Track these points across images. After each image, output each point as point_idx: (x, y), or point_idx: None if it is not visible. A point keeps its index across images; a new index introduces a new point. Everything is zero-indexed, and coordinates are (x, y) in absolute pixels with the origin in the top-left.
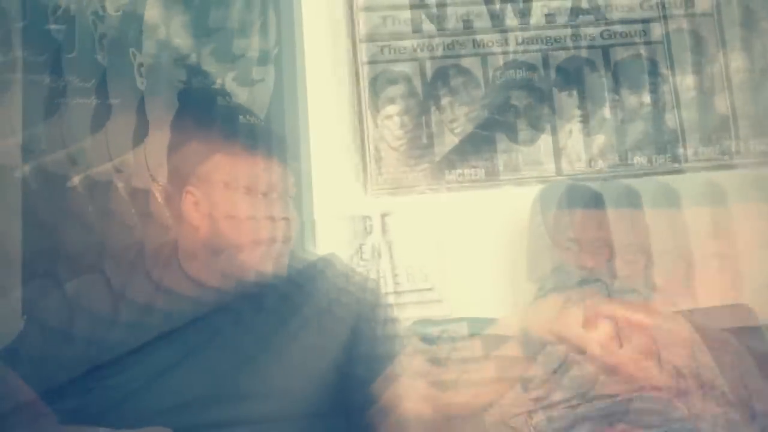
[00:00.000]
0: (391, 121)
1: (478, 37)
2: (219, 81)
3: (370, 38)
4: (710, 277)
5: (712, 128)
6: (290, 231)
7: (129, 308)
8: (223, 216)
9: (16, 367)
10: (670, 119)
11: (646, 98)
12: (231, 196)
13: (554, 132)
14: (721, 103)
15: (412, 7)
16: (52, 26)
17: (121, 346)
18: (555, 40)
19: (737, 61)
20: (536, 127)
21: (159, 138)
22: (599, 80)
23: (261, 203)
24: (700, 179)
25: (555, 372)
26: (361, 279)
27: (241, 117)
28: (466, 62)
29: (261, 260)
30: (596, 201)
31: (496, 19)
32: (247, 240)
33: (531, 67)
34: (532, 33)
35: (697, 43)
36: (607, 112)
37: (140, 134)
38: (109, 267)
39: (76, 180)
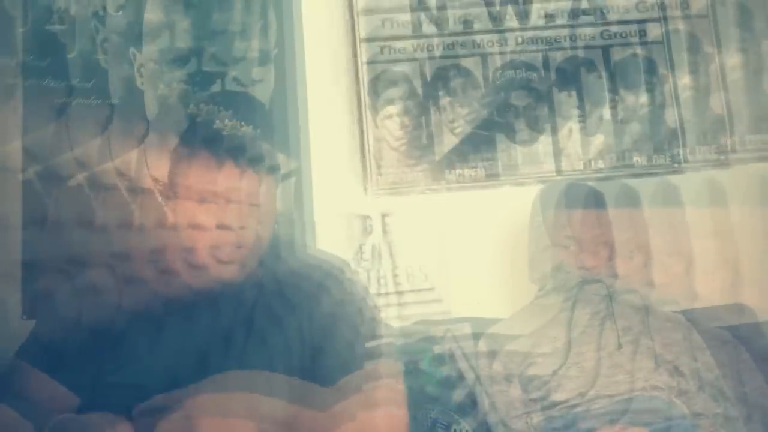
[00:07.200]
0: (391, 122)
1: (478, 38)
2: (218, 81)
3: (370, 39)
4: (710, 276)
5: (709, 127)
6: (247, 239)
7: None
8: (185, 223)
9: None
10: (669, 119)
11: (645, 98)
12: (189, 203)
13: (554, 132)
14: (717, 102)
15: (413, 9)
16: (52, 27)
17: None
18: (554, 40)
19: (732, 61)
20: (535, 127)
21: (159, 138)
22: (598, 80)
23: (216, 211)
24: (699, 178)
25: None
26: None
27: (217, 122)
28: (465, 63)
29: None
30: (595, 199)
31: (496, 19)
32: (201, 246)
33: (530, 68)
34: (531, 33)
35: (693, 43)
36: (606, 111)
37: (140, 134)
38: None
39: (80, 177)
